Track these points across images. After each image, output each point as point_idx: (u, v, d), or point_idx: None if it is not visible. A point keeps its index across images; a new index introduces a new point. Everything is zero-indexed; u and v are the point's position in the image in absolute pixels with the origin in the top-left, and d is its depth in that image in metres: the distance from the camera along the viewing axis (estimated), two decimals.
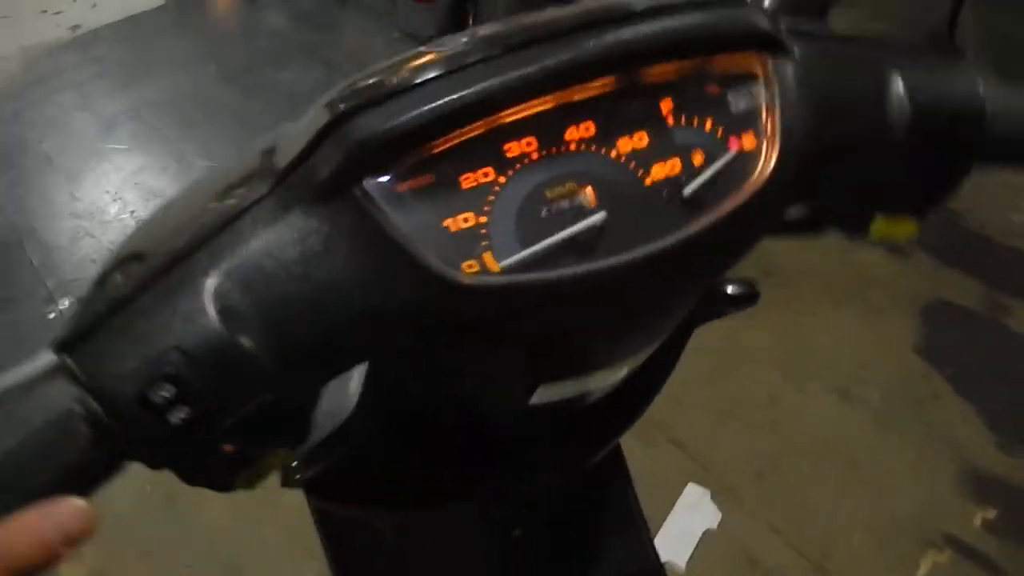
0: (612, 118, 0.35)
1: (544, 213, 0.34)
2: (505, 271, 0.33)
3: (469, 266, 0.32)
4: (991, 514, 1.51)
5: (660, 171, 0.35)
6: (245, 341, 0.31)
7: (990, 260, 2.04)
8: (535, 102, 0.34)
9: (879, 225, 0.43)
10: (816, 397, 1.70)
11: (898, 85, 0.40)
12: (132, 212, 2.01)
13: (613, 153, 0.35)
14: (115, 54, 2.52)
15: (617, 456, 0.62)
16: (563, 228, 0.33)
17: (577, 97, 0.35)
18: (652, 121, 0.36)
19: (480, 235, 0.33)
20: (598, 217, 0.34)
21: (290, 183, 0.32)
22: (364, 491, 0.51)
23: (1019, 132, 0.43)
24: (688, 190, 0.35)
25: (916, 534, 1.48)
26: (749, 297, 0.55)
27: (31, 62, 2.48)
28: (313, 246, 0.32)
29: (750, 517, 1.50)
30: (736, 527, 1.48)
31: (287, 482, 0.45)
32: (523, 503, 0.62)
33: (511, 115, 0.34)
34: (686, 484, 1.54)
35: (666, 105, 0.36)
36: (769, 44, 0.37)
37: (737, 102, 0.37)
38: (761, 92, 0.37)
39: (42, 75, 2.43)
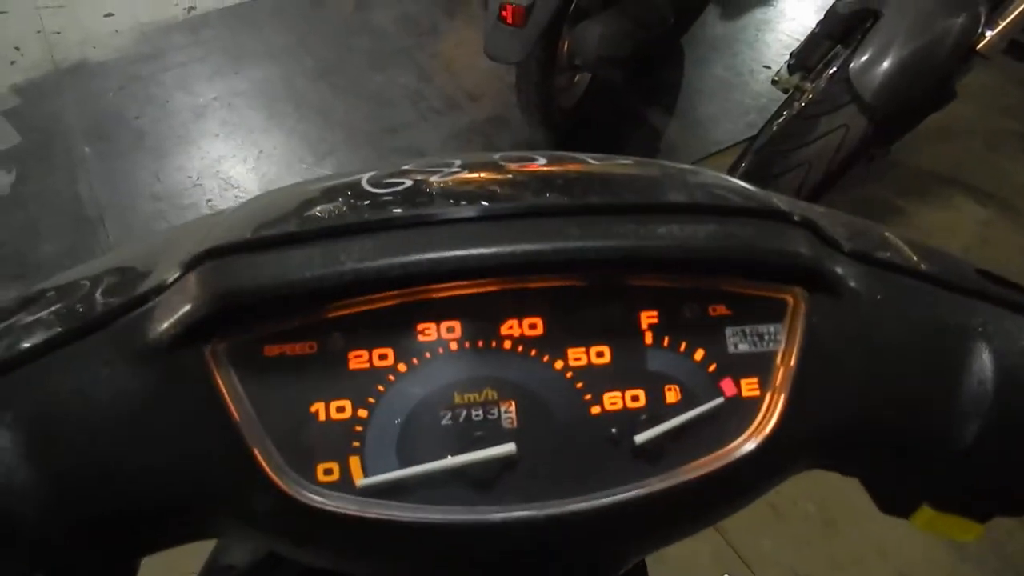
0: (569, 319, 0.26)
1: (444, 423, 0.25)
2: (366, 491, 0.24)
3: (326, 470, 0.24)
4: None
5: (615, 402, 0.26)
6: (18, 506, 0.23)
7: None
8: (471, 283, 0.26)
9: (925, 517, 0.31)
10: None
11: (983, 362, 0.29)
12: (208, 201, 2.03)
13: (558, 364, 0.26)
14: (221, 39, 2.57)
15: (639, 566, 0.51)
16: (462, 450, 0.25)
17: (529, 285, 0.26)
18: (623, 335, 0.27)
19: (353, 433, 0.25)
20: (505, 449, 0.25)
21: (126, 322, 0.25)
22: None
23: None
24: (642, 437, 0.26)
25: None
26: None
27: (144, 39, 2.57)
28: (132, 407, 0.24)
29: None
30: None
31: None
32: None
33: (435, 292, 0.26)
34: (721, 575, 1.42)
35: (647, 318, 0.27)
36: (810, 278, 0.27)
37: (745, 336, 0.27)
38: (782, 333, 0.27)
39: (152, 53, 2.51)
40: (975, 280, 0.32)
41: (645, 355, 0.27)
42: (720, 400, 0.27)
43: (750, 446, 0.26)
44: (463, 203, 0.27)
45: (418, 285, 0.25)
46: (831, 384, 0.27)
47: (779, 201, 0.30)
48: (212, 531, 0.27)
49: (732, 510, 0.29)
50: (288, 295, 0.24)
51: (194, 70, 2.45)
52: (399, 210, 0.26)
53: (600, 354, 0.26)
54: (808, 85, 1.67)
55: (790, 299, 0.28)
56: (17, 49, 2.49)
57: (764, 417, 0.27)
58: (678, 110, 2.37)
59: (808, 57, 1.69)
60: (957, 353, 0.29)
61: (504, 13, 1.63)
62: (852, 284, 0.28)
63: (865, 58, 1.49)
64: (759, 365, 0.27)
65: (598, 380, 0.26)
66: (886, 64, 1.46)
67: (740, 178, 0.32)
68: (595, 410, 0.26)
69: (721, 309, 0.27)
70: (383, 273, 0.24)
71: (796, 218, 0.29)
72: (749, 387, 0.27)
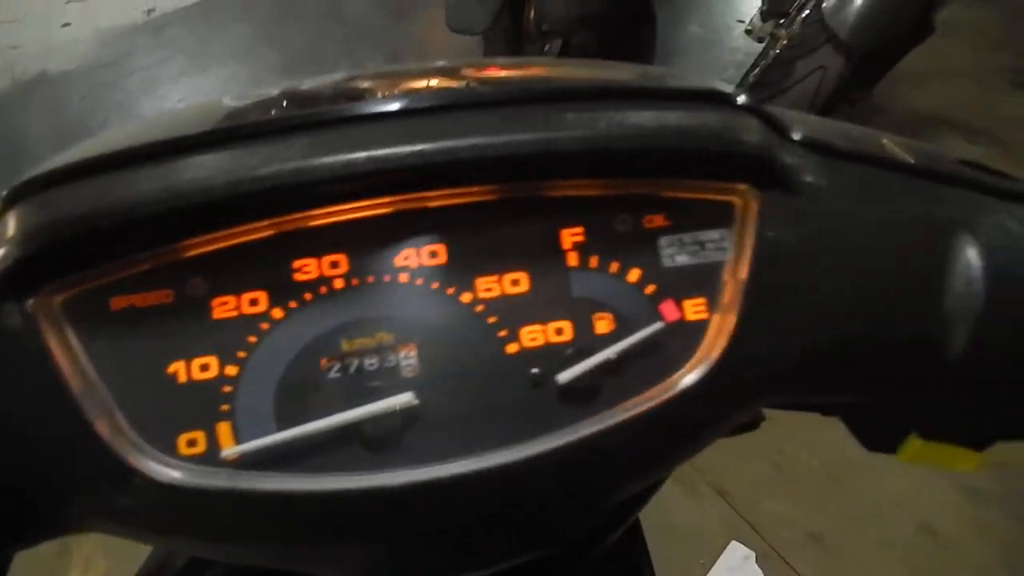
0: (477, 243, 0.22)
1: (331, 376, 0.21)
2: (240, 462, 0.20)
3: (190, 441, 0.20)
4: None
5: (535, 337, 0.22)
6: None
7: None
8: (359, 204, 0.22)
9: (915, 448, 0.27)
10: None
11: (970, 259, 0.24)
12: None
13: (466, 297, 0.22)
14: (184, 39, 2.52)
15: (634, 531, 0.47)
16: (353, 406, 0.21)
17: (429, 204, 0.22)
18: (541, 257, 0.22)
19: (220, 395, 0.21)
20: (402, 400, 0.21)
21: None
22: None
23: None
24: (566, 375, 0.22)
25: None
26: (748, 425, 0.40)
27: (104, 45, 2.51)
28: None
29: None
30: None
31: None
32: None
33: (314, 219, 0.21)
34: (729, 542, 1.38)
35: (571, 235, 0.23)
36: (759, 171, 0.23)
37: (683, 246, 0.23)
38: (729, 240, 0.23)
39: (113, 59, 2.46)
40: (956, 167, 0.28)
41: (569, 279, 0.23)
42: (659, 326, 0.23)
43: (693, 377, 0.23)
44: (334, 105, 0.23)
45: (285, 210, 0.21)
46: (792, 297, 0.23)
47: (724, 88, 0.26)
48: (71, 525, 0.23)
49: (684, 451, 0.25)
50: (114, 227, 0.20)
51: (158, 73, 2.39)
52: (255, 119, 0.22)
53: (515, 282, 0.23)
54: (783, 31, 1.61)
55: (737, 200, 0.24)
56: None
57: (711, 342, 0.23)
58: None
59: (780, 2, 1.63)
60: (939, 250, 0.25)
61: None
62: (809, 178, 0.24)
63: None
64: (706, 282, 0.23)
65: (514, 313, 0.23)
66: (860, 0, 1.41)
67: None
68: (512, 348, 0.22)
69: (658, 219, 0.23)
70: (235, 189, 0.20)
71: (739, 102, 0.24)
72: (695, 309, 0.23)
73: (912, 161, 0.27)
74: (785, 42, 1.56)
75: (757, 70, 1.62)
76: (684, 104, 0.24)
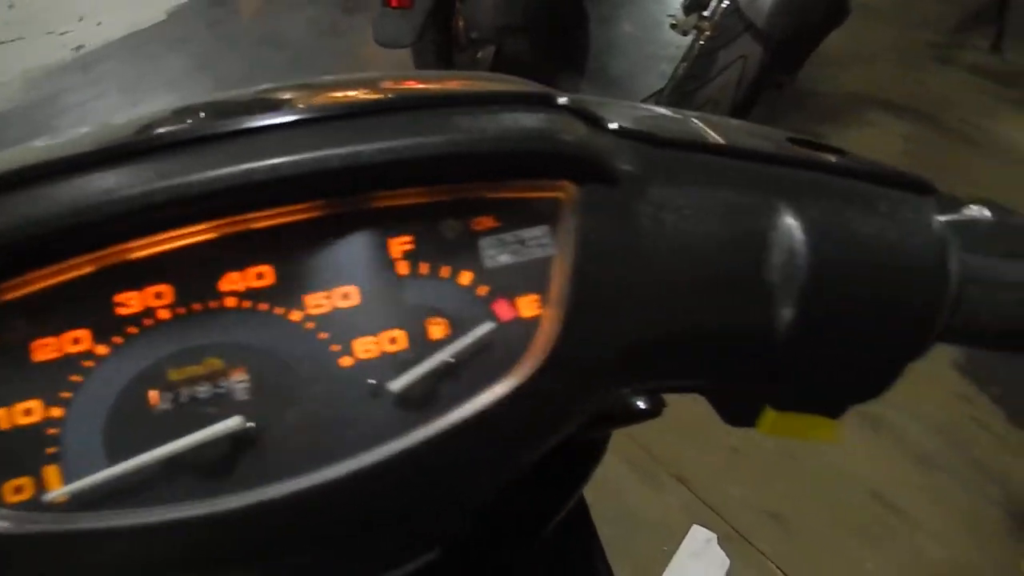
0: (305, 261, 0.22)
1: (161, 407, 0.21)
2: (69, 504, 0.20)
3: (17, 488, 0.20)
4: None
5: (369, 348, 0.22)
6: None
7: None
8: (179, 232, 0.22)
9: (770, 420, 0.28)
10: (843, 426, 1.51)
11: (791, 233, 0.25)
12: None
13: (295, 316, 0.22)
14: (115, 72, 2.49)
15: (581, 516, 0.47)
16: (181, 435, 0.21)
17: (253, 226, 0.22)
18: (371, 269, 0.23)
19: (46, 439, 0.20)
20: (228, 425, 0.21)
21: None
22: None
23: (996, 317, 0.28)
24: (399, 383, 0.22)
25: None
26: (650, 413, 0.40)
27: (34, 85, 2.47)
28: None
29: (763, 566, 1.34)
30: None
31: None
32: None
33: (134, 250, 0.21)
34: (691, 527, 1.39)
35: (400, 244, 0.23)
36: (577, 166, 0.24)
37: (504, 245, 0.24)
38: (550, 236, 0.24)
39: (44, 98, 2.41)
40: (780, 146, 0.29)
41: (401, 288, 0.23)
42: (491, 326, 0.23)
43: (525, 373, 0.23)
44: (143, 135, 0.23)
45: (101, 244, 0.21)
46: (620, 286, 0.24)
47: (555, 92, 0.26)
48: None
49: (531, 446, 0.25)
50: None
51: (91, 108, 2.35)
52: (56, 157, 0.22)
53: (346, 296, 0.23)
54: (706, 23, 1.64)
55: (561, 195, 0.24)
56: None
57: (543, 337, 0.23)
58: (590, 71, 2.34)
59: None
60: (761, 227, 0.25)
61: None
62: (627, 168, 0.25)
63: None
64: (537, 279, 0.24)
65: (346, 326, 0.22)
66: None
67: None
68: (345, 361, 0.22)
69: (487, 221, 0.24)
70: (83, 214, 0.20)
71: (558, 101, 0.25)
72: (529, 306, 0.23)
73: (731, 143, 0.27)
74: (708, 33, 1.58)
75: (685, 64, 1.65)
76: (499, 107, 0.24)
